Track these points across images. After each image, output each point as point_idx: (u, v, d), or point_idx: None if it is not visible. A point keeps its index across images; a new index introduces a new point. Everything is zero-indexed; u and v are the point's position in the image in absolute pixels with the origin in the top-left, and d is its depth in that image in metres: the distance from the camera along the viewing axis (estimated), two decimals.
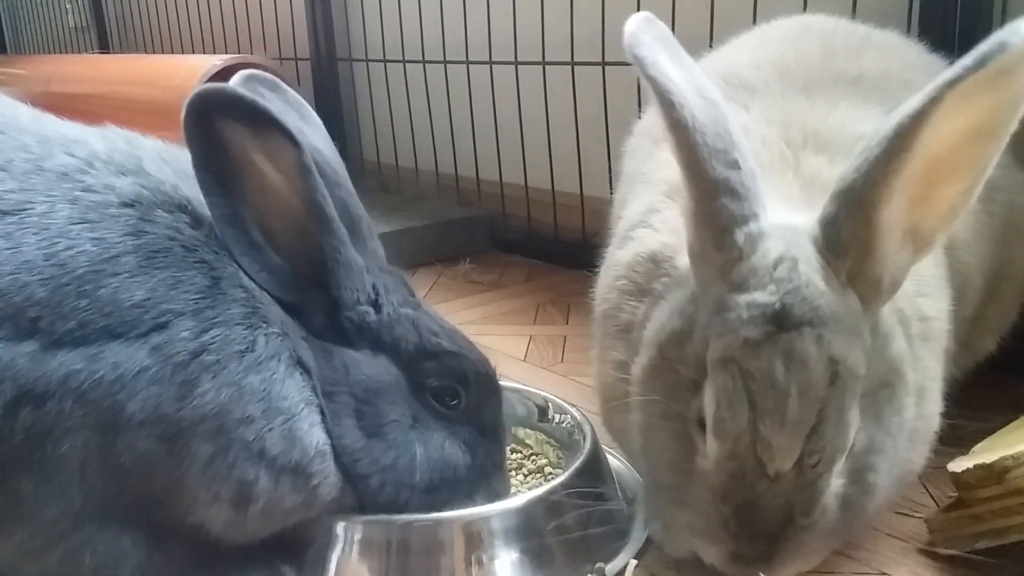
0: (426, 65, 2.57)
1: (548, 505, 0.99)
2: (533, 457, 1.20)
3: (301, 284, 0.89)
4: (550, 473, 1.15)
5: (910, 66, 1.11)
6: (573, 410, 1.20)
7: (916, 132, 0.69)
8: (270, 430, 0.82)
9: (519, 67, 2.25)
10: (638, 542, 1.02)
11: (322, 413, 0.87)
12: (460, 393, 0.95)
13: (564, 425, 1.21)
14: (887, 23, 1.27)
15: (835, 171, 0.84)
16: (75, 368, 0.75)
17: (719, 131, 0.76)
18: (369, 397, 0.89)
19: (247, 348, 0.81)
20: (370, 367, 0.90)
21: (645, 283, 0.91)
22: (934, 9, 1.50)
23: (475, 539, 0.94)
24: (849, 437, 0.76)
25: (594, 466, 1.08)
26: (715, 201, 0.76)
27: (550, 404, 1.25)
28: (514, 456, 1.20)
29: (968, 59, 0.67)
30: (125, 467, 0.79)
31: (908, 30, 1.51)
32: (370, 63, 2.84)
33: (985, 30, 1.46)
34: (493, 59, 2.32)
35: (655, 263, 0.90)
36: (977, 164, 0.73)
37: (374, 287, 0.92)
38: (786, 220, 0.80)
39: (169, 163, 0.90)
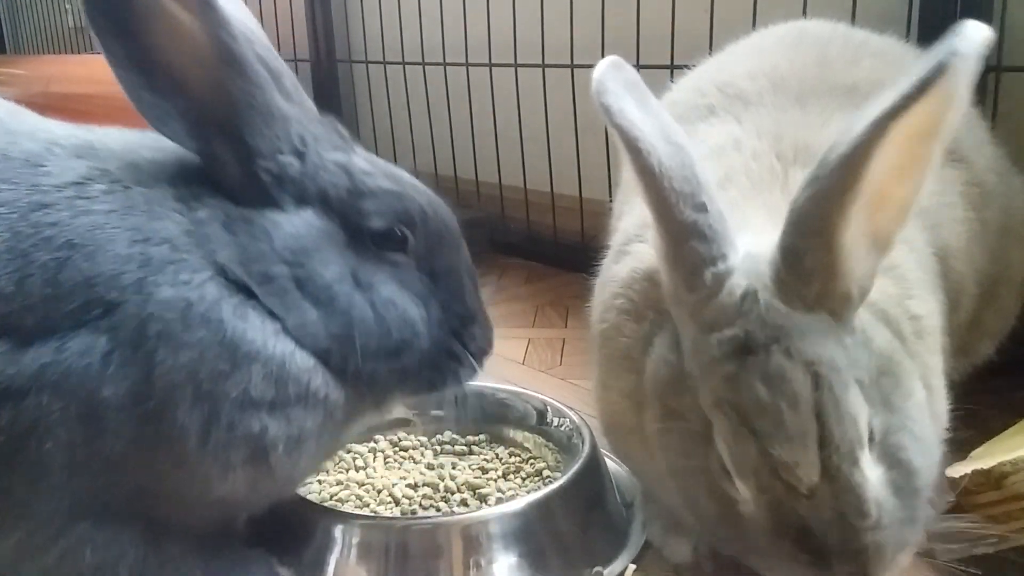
0: (426, 67, 2.57)
1: (546, 509, 0.99)
2: (531, 461, 1.20)
3: (210, 131, 0.82)
4: (548, 477, 1.15)
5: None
6: (572, 413, 1.21)
7: (864, 161, 0.70)
8: (249, 376, 0.78)
9: (518, 69, 2.25)
10: (636, 546, 1.03)
11: (283, 325, 0.81)
12: (406, 236, 0.87)
13: (563, 428, 1.21)
14: (886, 25, 1.27)
15: None
16: (46, 361, 0.74)
17: (686, 175, 0.78)
18: (299, 259, 0.82)
19: (188, 305, 0.77)
20: (293, 225, 0.83)
21: (643, 304, 0.90)
22: (934, 11, 1.50)
23: (473, 543, 0.94)
24: (859, 425, 0.75)
25: (592, 470, 1.08)
26: (685, 244, 0.78)
27: (549, 407, 1.25)
28: (512, 460, 1.20)
29: (909, 86, 0.67)
30: (117, 458, 0.77)
31: (908, 32, 1.51)
32: (370, 64, 2.84)
33: None
34: (493, 61, 2.32)
35: (652, 282, 0.89)
36: (924, 162, 0.73)
37: (300, 137, 0.85)
38: (763, 244, 0.80)
39: (120, 145, 0.87)
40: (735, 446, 0.74)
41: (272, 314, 0.80)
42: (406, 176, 0.91)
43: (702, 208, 0.77)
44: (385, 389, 0.88)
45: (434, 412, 1.30)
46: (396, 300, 0.85)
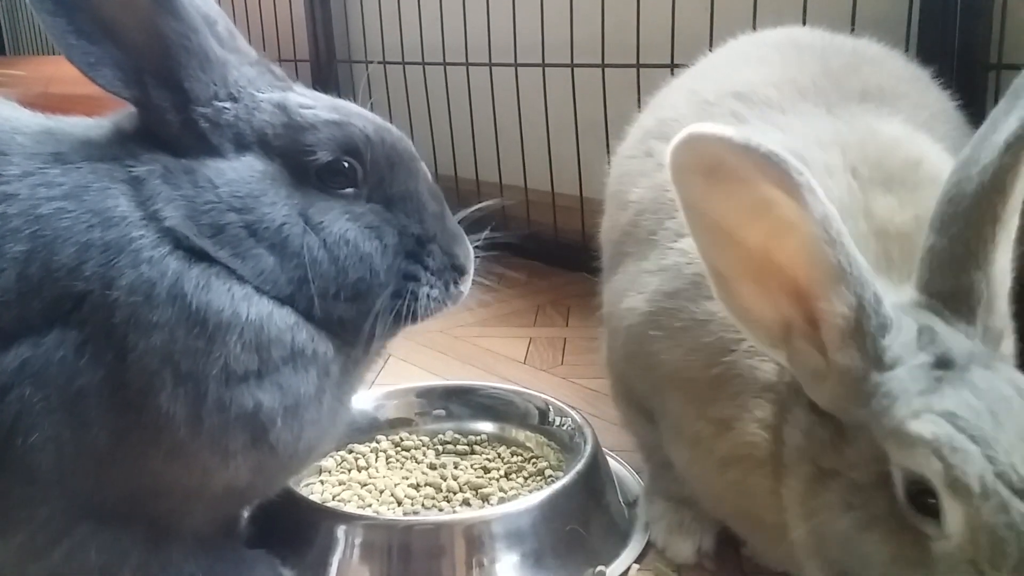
0: (425, 67, 2.57)
1: (549, 509, 0.99)
2: (534, 460, 1.20)
3: (145, 78, 0.79)
4: (551, 476, 1.15)
5: (901, 79, 1.09)
6: (574, 413, 1.21)
7: (1008, 187, 0.70)
8: (226, 348, 0.75)
9: (519, 69, 2.25)
10: (639, 545, 1.03)
11: (254, 288, 0.78)
12: (353, 167, 0.83)
13: (565, 428, 1.21)
14: (886, 29, 1.27)
15: (905, 215, 0.83)
16: (26, 357, 0.73)
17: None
18: (247, 204, 0.79)
19: (151, 286, 0.74)
20: (235, 170, 0.80)
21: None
22: (933, 11, 1.50)
23: (476, 542, 0.94)
24: None
25: (595, 469, 1.08)
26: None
27: (550, 407, 1.25)
28: (514, 459, 1.20)
29: None
30: (106, 452, 0.76)
31: (907, 36, 1.51)
32: (369, 64, 2.84)
33: (984, 36, 1.47)
34: (493, 61, 2.32)
35: None
36: None
37: (235, 81, 0.82)
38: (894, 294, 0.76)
39: (78, 128, 0.85)
40: (955, 456, 0.65)
41: (240, 277, 0.78)
42: (352, 106, 0.87)
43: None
44: (359, 330, 0.83)
45: (435, 412, 1.30)
46: (349, 237, 0.82)
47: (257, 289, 0.78)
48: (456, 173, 2.57)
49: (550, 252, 2.29)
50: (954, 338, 0.72)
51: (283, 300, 0.79)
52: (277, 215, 0.79)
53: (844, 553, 0.73)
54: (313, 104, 0.84)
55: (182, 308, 0.74)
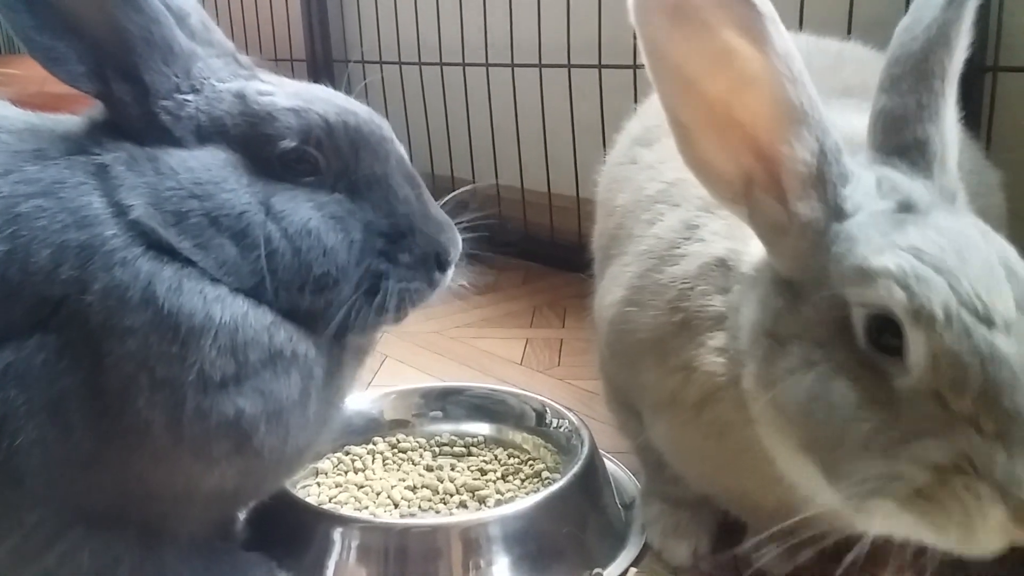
0: (422, 67, 2.56)
1: (546, 511, 0.99)
2: (530, 462, 1.20)
3: (108, 72, 0.78)
4: (547, 478, 1.15)
5: None
6: (570, 415, 1.20)
7: (951, 50, 0.75)
8: (201, 353, 0.74)
9: (515, 70, 2.25)
10: (635, 547, 1.03)
11: (214, 276, 0.77)
12: (315, 156, 0.81)
13: (561, 430, 1.21)
14: (882, 31, 1.27)
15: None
16: (9, 360, 0.73)
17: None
18: (208, 191, 0.77)
19: (124, 290, 0.73)
20: (196, 159, 0.78)
21: (724, 283, 0.85)
22: None
23: (473, 545, 0.94)
24: None
25: (592, 471, 1.08)
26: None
27: (547, 408, 1.25)
28: (511, 461, 1.20)
29: None
30: (91, 457, 0.75)
31: None
32: (366, 64, 2.84)
33: (980, 39, 1.47)
34: (489, 61, 2.32)
35: (727, 267, 0.85)
36: None
37: (199, 73, 0.81)
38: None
39: (60, 124, 0.84)
40: (920, 283, 0.64)
41: (214, 279, 0.76)
42: (319, 92, 0.85)
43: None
44: (331, 325, 0.81)
45: (432, 413, 1.30)
46: (311, 228, 0.80)
47: (232, 289, 0.77)
48: (452, 174, 2.57)
49: (547, 253, 2.29)
50: (914, 186, 0.73)
51: (247, 292, 0.78)
52: (238, 203, 0.78)
53: (805, 414, 0.71)
54: (272, 91, 0.82)
55: (155, 312, 0.73)
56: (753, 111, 0.72)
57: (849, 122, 0.93)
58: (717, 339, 0.84)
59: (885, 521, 0.68)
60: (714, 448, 0.87)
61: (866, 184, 0.73)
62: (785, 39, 0.69)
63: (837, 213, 0.72)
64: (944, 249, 0.66)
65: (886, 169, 0.75)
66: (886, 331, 0.66)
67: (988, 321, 0.63)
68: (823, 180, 0.71)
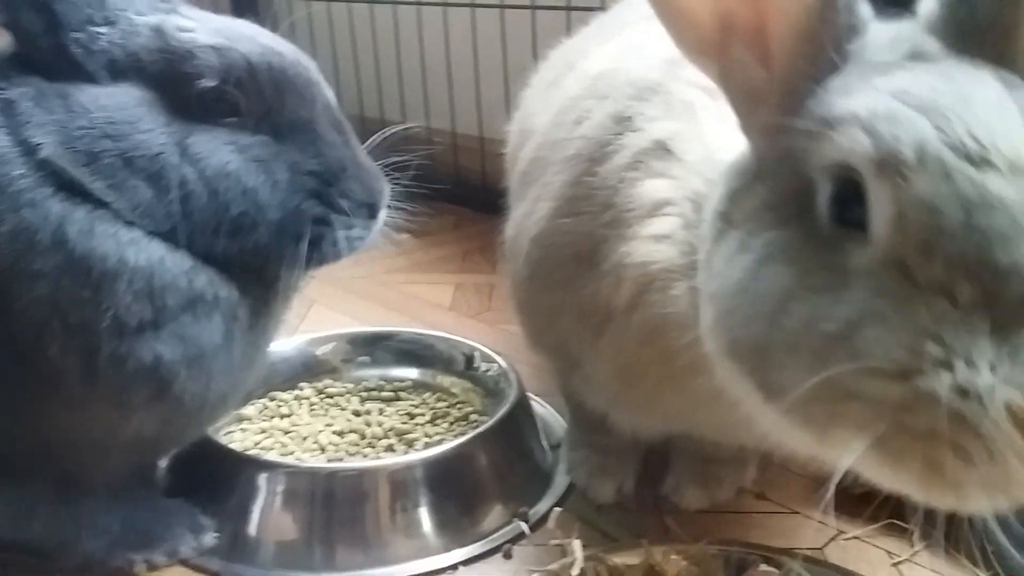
0: (351, 5, 2.49)
1: (472, 453, 1.00)
2: (459, 405, 1.20)
3: (16, 1, 0.75)
4: (476, 421, 1.15)
5: None
6: (499, 359, 1.21)
7: None
8: (114, 298, 0.72)
9: (448, 9, 2.20)
10: (561, 487, 1.05)
11: (139, 228, 0.74)
12: (236, 96, 0.79)
13: (490, 374, 1.22)
14: None
15: None
16: None
17: None
18: (122, 131, 0.74)
19: (33, 232, 0.71)
20: (110, 97, 0.75)
21: (664, 167, 0.76)
22: None
23: (399, 488, 0.95)
24: None
25: (519, 414, 1.09)
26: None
27: (476, 353, 1.25)
28: (440, 405, 1.20)
29: None
30: (3, 404, 0.74)
31: None
32: (293, 1, 2.74)
33: None
34: (421, 0, 2.26)
35: (666, 149, 0.76)
36: None
37: (114, 4, 0.77)
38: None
39: None
40: (885, 125, 0.51)
41: (128, 222, 0.74)
42: (243, 29, 0.82)
43: None
44: (259, 270, 0.80)
45: (360, 359, 1.29)
46: (230, 170, 0.77)
47: (148, 232, 0.74)
48: (382, 117, 2.52)
49: (478, 198, 2.27)
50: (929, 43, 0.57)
51: (164, 236, 0.75)
52: (153, 143, 0.75)
53: (729, 310, 0.59)
54: (193, 27, 0.79)
55: (66, 256, 0.71)
56: None
57: None
58: (655, 226, 0.74)
59: (835, 454, 0.53)
60: (649, 356, 0.77)
61: (879, 39, 0.58)
62: None
63: (832, 71, 0.57)
64: (939, 91, 0.52)
65: (931, 40, 0.58)
66: (852, 202, 0.53)
67: (981, 162, 0.49)
68: (824, 31, 0.56)
